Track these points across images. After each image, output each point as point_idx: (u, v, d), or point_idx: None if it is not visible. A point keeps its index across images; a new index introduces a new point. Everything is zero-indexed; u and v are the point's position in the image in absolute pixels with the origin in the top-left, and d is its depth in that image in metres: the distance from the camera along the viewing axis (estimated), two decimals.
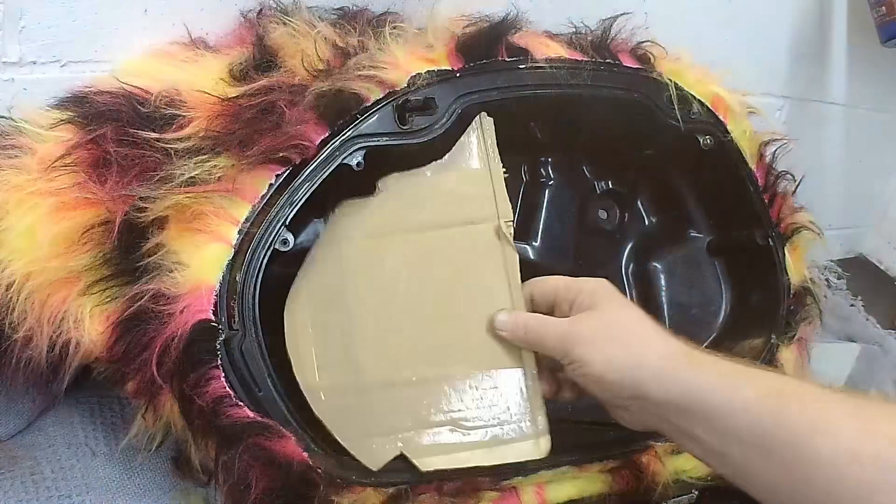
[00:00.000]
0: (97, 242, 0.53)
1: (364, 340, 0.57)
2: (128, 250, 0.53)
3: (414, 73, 0.61)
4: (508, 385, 0.59)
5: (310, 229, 0.60)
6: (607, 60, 0.69)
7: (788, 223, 0.77)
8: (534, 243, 0.76)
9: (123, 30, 0.61)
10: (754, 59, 0.96)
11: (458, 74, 0.63)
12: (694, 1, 0.89)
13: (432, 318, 0.58)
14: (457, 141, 0.62)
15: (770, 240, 0.75)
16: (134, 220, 0.52)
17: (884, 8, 0.88)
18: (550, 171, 0.77)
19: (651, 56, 0.71)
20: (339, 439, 0.55)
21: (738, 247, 0.78)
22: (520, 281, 0.59)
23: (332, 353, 0.56)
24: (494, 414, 0.59)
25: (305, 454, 0.53)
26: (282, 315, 0.57)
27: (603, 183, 0.79)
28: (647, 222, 0.81)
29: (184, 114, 0.55)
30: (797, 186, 0.78)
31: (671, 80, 0.71)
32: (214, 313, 0.52)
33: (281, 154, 0.55)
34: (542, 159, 0.76)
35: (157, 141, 0.54)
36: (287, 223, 0.55)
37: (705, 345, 0.78)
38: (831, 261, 1.15)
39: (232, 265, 0.54)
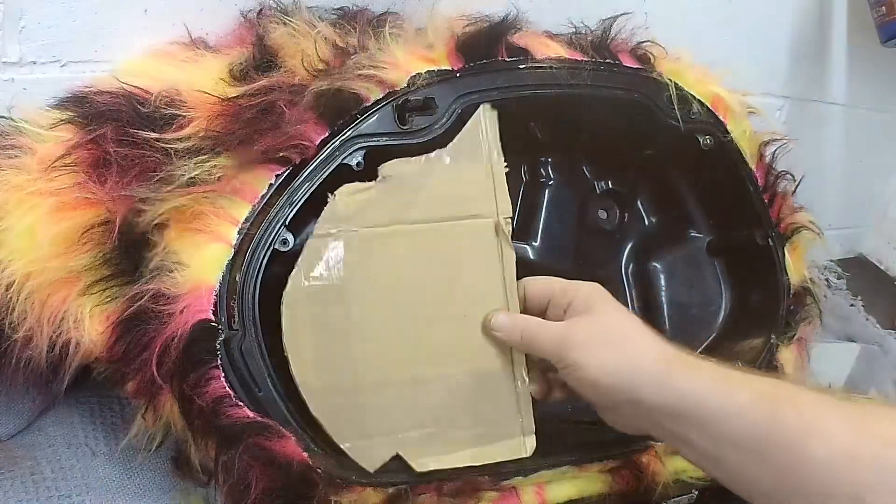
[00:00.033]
0: (97, 242, 0.53)
1: (361, 340, 0.56)
2: (128, 250, 0.53)
3: (414, 73, 0.61)
4: (499, 384, 0.59)
5: (310, 229, 0.60)
6: (607, 60, 0.69)
7: (788, 223, 0.77)
8: (534, 243, 0.76)
9: (123, 30, 0.61)
10: (754, 59, 0.96)
11: (458, 74, 0.63)
12: (694, 1, 0.89)
13: (428, 316, 0.58)
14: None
15: (770, 240, 0.75)
16: (134, 221, 0.52)
17: (884, 8, 0.89)
18: (550, 171, 0.77)
19: (651, 56, 0.71)
20: (335, 440, 0.55)
21: (738, 247, 0.78)
22: (515, 281, 0.59)
23: (329, 353, 0.56)
24: (485, 413, 0.59)
25: (305, 454, 0.53)
26: (281, 315, 0.57)
27: (603, 183, 0.79)
28: (647, 222, 0.81)
29: (184, 114, 0.55)
30: (797, 186, 0.78)
31: (671, 80, 0.71)
32: (214, 313, 0.52)
33: (281, 154, 0.55)
34: (542, 159, 0.76)
35: (157, 141, 0.54)
36: (287, 223, 0.55)
37: (705, 345, 0.78)
38: (831, 261, 1.15)
39: (232, 265, 0.54)
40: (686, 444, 0.51)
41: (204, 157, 0.53)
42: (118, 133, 0.54)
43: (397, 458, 0.56)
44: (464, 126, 0.61)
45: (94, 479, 0.57)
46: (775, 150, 0.77)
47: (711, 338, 0.78)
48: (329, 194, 0.55)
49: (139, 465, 0.59)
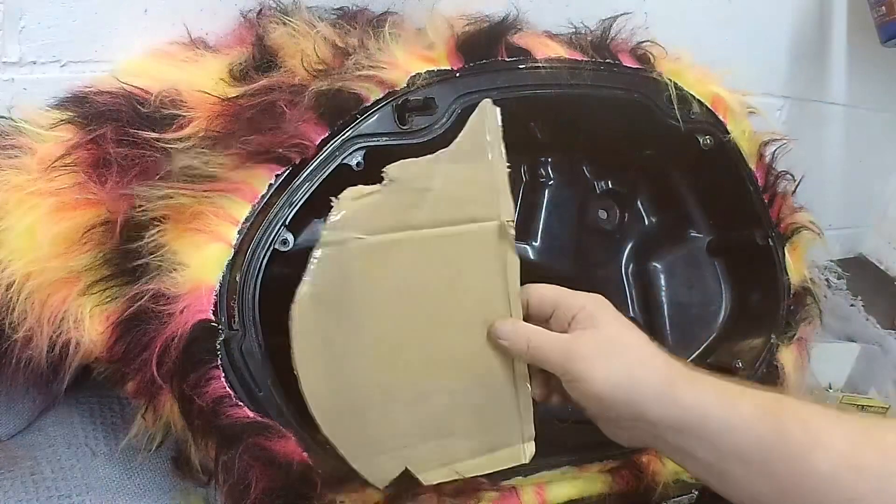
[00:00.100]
0: (97, 242, 0.53)
1: (369, 355, 0.55)
2: (128, 250, 0.53)
3: (414, 73, 0.61)
4: (501, 392, 0.58)
5: (310, 229, 0.60)
6: (607, 60, 0.70)
7: (788, 223, 0.77)
8: (534, 243, 0.76)
9: (123, 30, 0.61)
10: (754, 59, 0.96)
11: (457, 74, 0.63)
12: (694, 1, 0.89)
13: (432, 325, 0.57)
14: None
15: (770, 240, 0.75)
16: (134, 220, 0.52)
17: (884, 8, 0.89)
18: (550, 171, 0.77)
19: (651, 56, 0.71)
20: (346, 458, 0.54)
21: (738, 247, 0.78)
22: (519, 287, 0.58)
23: (339, 371, 0.54)
24: (487, 422, 0.58)
25: (305, 454, 0.53)
26: (281, 315, 0.56)
27: (603, 183, 0.79)
28: (647, 222, 0.81)
29: (184, 114, 0.55)
30: (797, 186, 0.78)
31: (671, 80, 0.71)
32: (214, 313, 0.52)
33: (281, 154, 0.55)
34: (542, 159, 0.76)
35: (157, 141, 0.54)
36: (287, 223, 0.55)
37: (705, 345, 0.78)
38: (831, 261, 1.15)
39: (232, 265, 0.54)
40: (690, 457, 0.51)
41: (204, 154, 0.53)
42: (118, 133, 0.54)
43: (405, 472, 0.56)
44: (465, 124, 0.61)
45: (94, 479, 0.57)
46: (775, 150, 0.77)
47: (711, 338, 0.78)
48: (333, 199, 0.53)
49: (139, 465, 0.58)
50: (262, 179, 0.55)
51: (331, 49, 0.61)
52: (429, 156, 0.56)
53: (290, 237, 0.55)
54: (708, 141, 0.73)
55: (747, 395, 0.50)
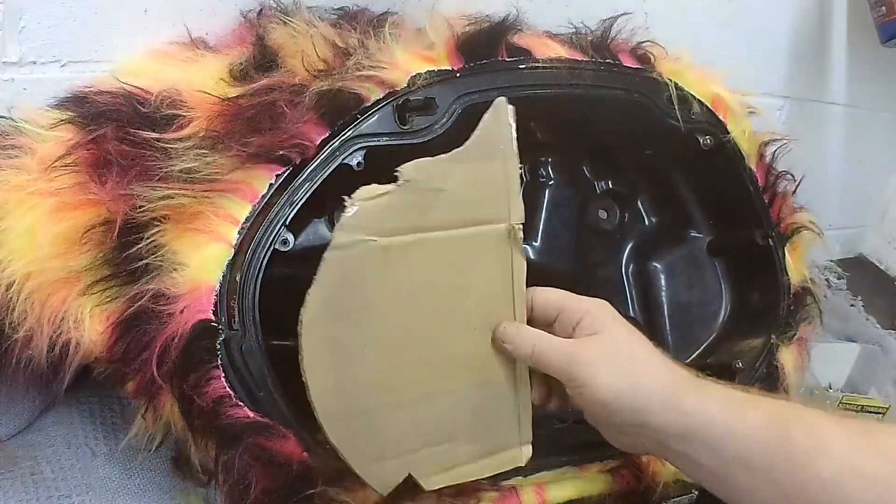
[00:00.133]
0: (97, 242, 0.53)
1: (377, 359, 0.54)
2: (128, 251, 0.53)
3: (414, 73, 0.61)
4: (501, 395, 0.58)
5: (310, 229, 0.60)
6: (607, 60, 0.70)
7: (788, 223, 0.77)
8: (534, 243, 0.76)
9: (123, 30, 0.61)
10: (754, 59, 0.96)
11: (458, 74, 0.63)
12: (694, 1, 0.89)
13: (439, 329, 0.56)
14: (460, 136, 0.61)
15: (770, 240, 0.75)
16: (134, 221, 0.52)
17: (884, 8, 0.89)
18: (550, 171, 0.77)
19: (651, 56, 0.71)
20: (350, 464, 0.53)
21: (738, 247, 0.78)
22: (525, 290, 0.58)
23: (346, 376, 0.53)
24: (486, 425, 0.58)
25: (305, 454, 0.53)
26: (282, 315, 0.56)
27: (603, 183, 0.79)
28: (647, 222, 0.81)
29: (184, 114, 0.55)
30: (797, 186, 0.78)
31: (671, 80, 0.71)
32: (214, 313, 0.52)
33: (281, 154, 0.55)
34: (542, 159, 0.76)
35: (158, 141, 0.54)
36: (287, 223, 0.55)
37: (705, 345, 0.78)
38: (831, 261, 1.15)
39: (232, 265, 0.54)
40: (694, 464, 0.51)
41: (204, 154, 0.53)
42: (118, 133, 0.54)
43: (407, 479, 0.55)
44: (463, 127, 0.61)
45: (94, 479, 0.57)
46: (775, 150, 0.77)
47: (711, 338, 0.78)
48: (346, 198, 0.52)
49: (139, 465, 0.59)
50: (263, 179, 0.55)
51: (331, 49, 0.61)
52: (443, 155, 0.55)
53: (291, 237, 0.55)
54: (708, 141, 0.73)
55: (754, 403, 0.50)
